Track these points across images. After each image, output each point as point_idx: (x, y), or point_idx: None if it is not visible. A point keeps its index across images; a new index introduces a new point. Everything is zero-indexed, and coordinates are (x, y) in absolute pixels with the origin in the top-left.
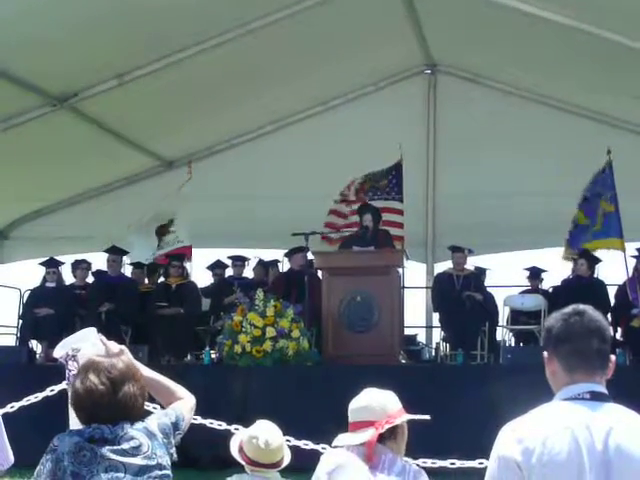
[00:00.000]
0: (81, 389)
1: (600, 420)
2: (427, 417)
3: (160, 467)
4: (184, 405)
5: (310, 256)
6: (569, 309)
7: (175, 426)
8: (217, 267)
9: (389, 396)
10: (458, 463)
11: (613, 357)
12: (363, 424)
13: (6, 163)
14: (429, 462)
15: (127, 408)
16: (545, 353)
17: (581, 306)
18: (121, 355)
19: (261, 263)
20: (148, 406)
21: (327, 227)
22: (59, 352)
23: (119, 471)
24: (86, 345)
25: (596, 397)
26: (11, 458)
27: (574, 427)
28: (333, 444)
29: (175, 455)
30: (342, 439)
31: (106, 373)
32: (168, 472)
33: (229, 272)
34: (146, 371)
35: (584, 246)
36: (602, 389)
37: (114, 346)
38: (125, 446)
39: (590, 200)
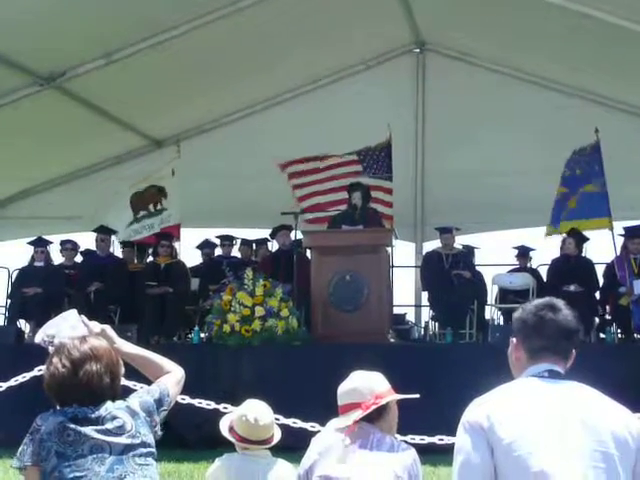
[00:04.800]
0: (46, 373)
1: (559, 392)
2: (416, 396)
3: (145, 445)
4: (170, 379)
5: (299, 235)
6: (543, 303)
7: (159, 402)
8: (206, 247)
9: (376, 377)
10: (446, 439)
11: (574, 351)
12: (351, 406)
13: None
14: (417, 439)
15: (91, 387)
16: (514, 340)
17: (555, 301)
18: (97, 335)
19: (245, 242)
20: (136, 385)
21: (309, 209)
22: (38, 337)
23: (104, 450)
24: (64, 328)
25: (554, 375)
26: None
27: (535, 398)
28: (324, 428)
29: (160, 432)
30: (333, 423)
31: (67, 355)
32: (153, 450)
33: (217, 251)
34: (131, 348)
35: (571, 226)
36: (560, 370)
37: (96, 326)
38: (109, 426)
39: (570, 176)
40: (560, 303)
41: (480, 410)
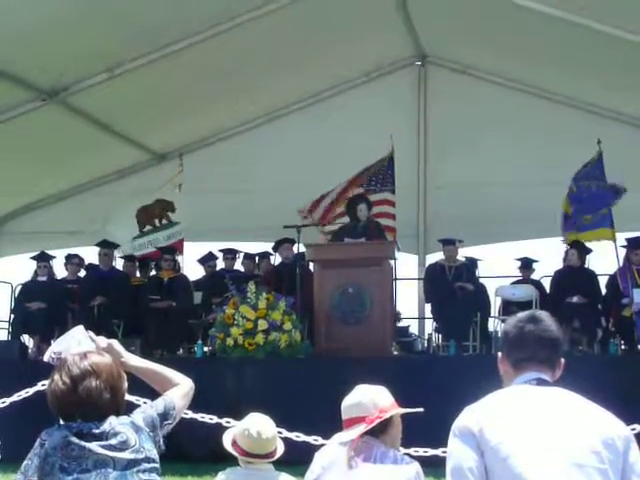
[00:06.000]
0: (48, 390)
1: (547, 396)
2: (420, 410)
3: (148, 460)
4: (177, 392)
5: (301, 248)
6: (525, 315)
7: (163, 416)
8: (209, 259)
9: (380, 391)
10: None
11: (562, 360)
12: (356, 420)
13: None
14: (421, 451)
15: (90, 403)
16: (499, 354)
17: (537, 313)
18: (104, 350)
19: (248, 256)
20: (139, 400)
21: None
22: (47, 355)
23: (108, 466)
24: (72, 344)
25: (542, 383)
26: None
27: (524, 403)
28: (328, 442)
29: (163, 446)
30: (337, 437)
31: (67, 371)
32: (157, 465)
33: (220, 265)
34: (139, 361)
35: (577, 237)
36: (547, 378)
37: (103, 341)
38: (113, 441)
39: (578, 191)
40: (543, 315)
41: (470, 416)
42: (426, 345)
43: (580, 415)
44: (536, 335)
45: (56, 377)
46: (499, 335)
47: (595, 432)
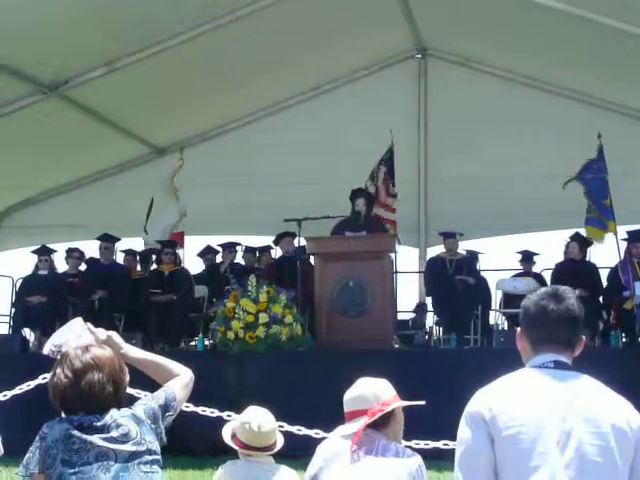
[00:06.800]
0: (50, 384)
1: (561, 383)
2: (421, 403)
3: (150, 452)
4: (177, 383)
5: (302, 242)
6: (548, 291)
7: (165, 408)
8: (208, 253)
9: (382, 384)
10: (451, 444)
11: (583, 337)
12: (357, 413)
13: None
14: (422, 444)
15: (94, 396)
16: (518, 329)
17: (560, 289)
18: (103, 342)
19: (249, 249)
20: (140, 393)
21: None
22: (46, 348)
23: (109, 458)
24: (71, 337)
25: (559, 366)
26: (1, 450)
27: (537, 390)
28: (330, 435)
29: (165, 439)
30: (339, 430)
31: (69, 365)
32: (158, 457)
33: (219, 258)
34: (139, 353)
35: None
36: (566, 360)
37: (102, 333)
38: (114, 434)
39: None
40: (566, 292)
41: (481, 401)
42: (427, 338)
43: (592, 403)
44: (558, 315)
45: (58, 371)
46: (500, 328)
47: (607, 422)
